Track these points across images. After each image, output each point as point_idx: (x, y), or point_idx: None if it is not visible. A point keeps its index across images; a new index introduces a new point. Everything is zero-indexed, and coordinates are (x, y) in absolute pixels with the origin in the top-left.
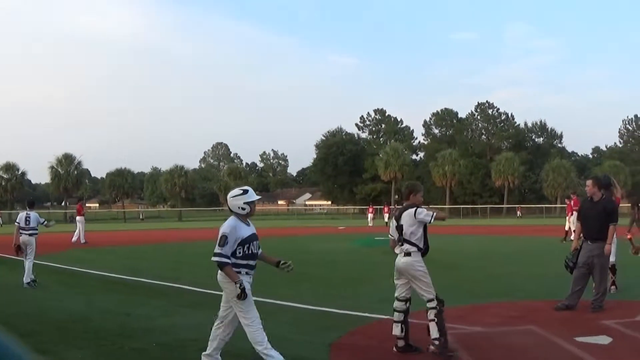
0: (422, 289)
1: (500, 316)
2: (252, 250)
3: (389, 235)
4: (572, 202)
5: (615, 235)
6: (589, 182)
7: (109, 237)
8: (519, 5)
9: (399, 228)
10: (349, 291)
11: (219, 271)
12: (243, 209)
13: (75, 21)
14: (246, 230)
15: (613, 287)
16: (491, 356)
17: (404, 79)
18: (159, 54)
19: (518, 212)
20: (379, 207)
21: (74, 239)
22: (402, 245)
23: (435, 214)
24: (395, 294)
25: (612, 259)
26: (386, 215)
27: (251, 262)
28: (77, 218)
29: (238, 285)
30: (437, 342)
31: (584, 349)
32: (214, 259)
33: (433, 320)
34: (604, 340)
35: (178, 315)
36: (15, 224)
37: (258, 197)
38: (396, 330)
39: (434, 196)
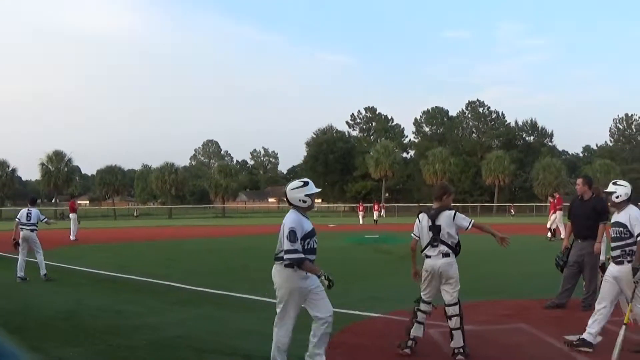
0: (451, 292)
1: (490, 315)
2: (312, 245)
3: (413, 235)
4: (555, 201)
5: (605, 234)
6: (579, 181)
7: (99, 235)
8: (510, 4)
9: (436, 228)
10: (339, 289)
11: (278, 270)
12: (304, 201)
13: (65, 17)
14: (308, 224)
15: None
16: (482, 354)
17: (394, 77)
18: (150, 52)
19: (511, 211)
20: (368, 205)
21: (72, 237)
22: (437, 246)
23: (473, 221)
24: (423, 296)
25: (602, 257)
26: (375, 213)
27: (311, 257)
28: (71, 215)
29: (323, 276)
30: (463, 351)
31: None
32: (288, 256)
33: (459, 328)
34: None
35: (168, 313)
36: (16, 219)
37: (318, 189)
38: (418, 331)
39: (425, 194)
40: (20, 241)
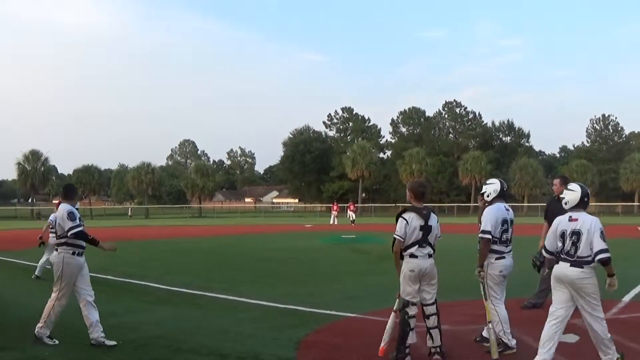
0: (432, 292)
1: (466, 314)
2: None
3: (398, 237)
4: None
5: None
6: (556, 181)
7: None
8: (487, 4)
9: (427, 229)
10: (315, 289)
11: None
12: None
13: (43, 15)
14: None
15: None
16: (458, 354)
17: (371, 77)
18: (128, 51)
19: None
20: (344, 205)
21: None
22: (425, 247)
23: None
24: (411, 298)
25: None
26: (351, 214)
27: None
28: None
29: None
30: (440, 350)
31: None
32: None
33: (437, 327)
34: (571, 338)
35: (144, 313)
36: (49, 220)
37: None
38: (413, 338)
39: (401, 194)
40: (47, 243)
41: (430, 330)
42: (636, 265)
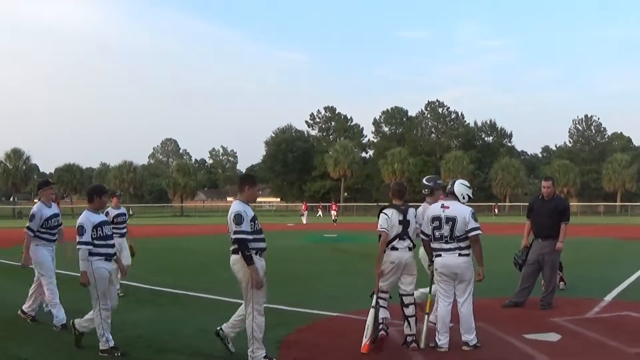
0: (410, 283)
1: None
2: None
3: (383, 229)
4: None
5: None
6: (549, 183)
7: None
8: (470, 4)
9: (406, 223)
10: (297, 288)
11: None
12: (464, 197)
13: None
14: None
15: (562, 282)
16: (440, 353)
17: (354, 77)
18: (109, 49)
19: (495, 210)
20: (327, 204)
21: None
22: (405, 239)
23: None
24: (384, 285)
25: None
26: (333, 213)
27: None
28: None
29: None
30: (415, 339)
31: (532, 345)
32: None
33: (414, 316)
34: (552, 337)
35: (126, 312)
36: None
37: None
38: (385, 313)
39: (383, 194)
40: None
41: (409, 319)
42: (617, 265)
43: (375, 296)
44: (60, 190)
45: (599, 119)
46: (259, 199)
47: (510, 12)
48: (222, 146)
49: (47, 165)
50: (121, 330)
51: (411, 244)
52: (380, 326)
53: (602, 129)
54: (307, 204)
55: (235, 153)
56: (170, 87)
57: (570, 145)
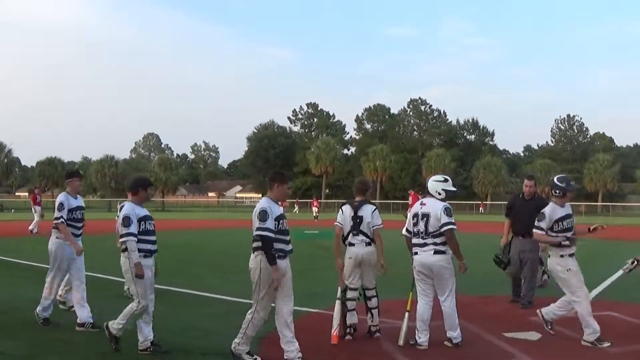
0: (372, 278)
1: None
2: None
3: (336, 223)
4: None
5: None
6: (532, 182)
7: (38, 227)
8: (454, 2)
9: (358, 219)
10: None
11: None
12: (439, 193)
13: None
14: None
15: (545, 275)
16: (420, 351)
17: (337, 73)
18: (91, 42)
19: (480, 209)
20: (307, 200)
21: (32, 228)
22: (358, 235)
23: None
24: (350, 284)
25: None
26: (315, 209)
27: None
28: (35, 207)
29: None
30: (379, 329)
31: (513, 344)
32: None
33: (376, 307)
34: (533, 336)
35: (106, 307)
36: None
37: (454, 189)
38: (352, 319)
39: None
40: None
41: (372, 310)
42: (598, 265)
43: (339, 289)
44: (42, 184)
45: (581, 119)
46: (239, 195)
47: (494, 10)
48: (204, 141)
49: (29, 158)
50: (101, 324)
51: (367, 239)
52: (349, 330)
53: (584, 128)
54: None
55: (217, 148)
56: (152, 81)
57: (552, 144)
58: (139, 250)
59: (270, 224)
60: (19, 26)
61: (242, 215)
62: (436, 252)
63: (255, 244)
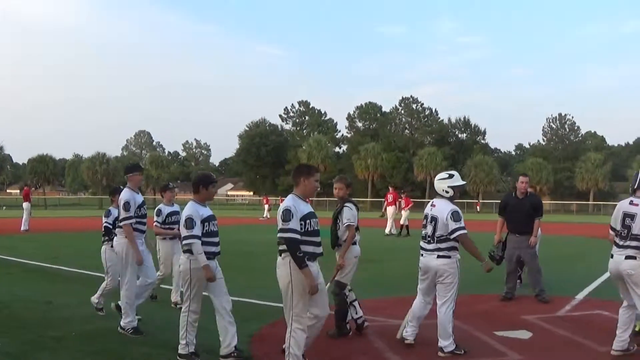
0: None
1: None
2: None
3: (352, 223)
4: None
5: (540, 229)
6: (527, 179)
7: (29, 224)
8: (446, 1)
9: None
10: (269, 282)
11: None
12: (446, 192)
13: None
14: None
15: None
16: (411, 349)
17: (329, 71)
18: (83, 40)
19: (477, 207)
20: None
21: (24, 227)
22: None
23: (348, 224)
24: (348, 281)
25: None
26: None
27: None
28: (24, 204)
29: None
30: (363, 318)
31: (503, 343)
32: None
33: (356, 299)
34: (523, 334)
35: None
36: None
37: (463, 182)
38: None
39: (356, 189)
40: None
41: (353, 303)
42: (589, 263)
43: (330, 283)
44: (33, 181)
45: (572, 117)
46: (231, 193)
47: (487, 9)
48: (195, 139)
49: (20, 156)
50: (92, 322)
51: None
52: (347, 326)
53: (575, 127)
54: (269, 198)
55: (209, 146)
56: (144, 79)
57: (543, 143)
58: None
59: (294, 224)
60: (11, 25)
61: (233, 212)
62: (440, 256)
63: (281, 247)
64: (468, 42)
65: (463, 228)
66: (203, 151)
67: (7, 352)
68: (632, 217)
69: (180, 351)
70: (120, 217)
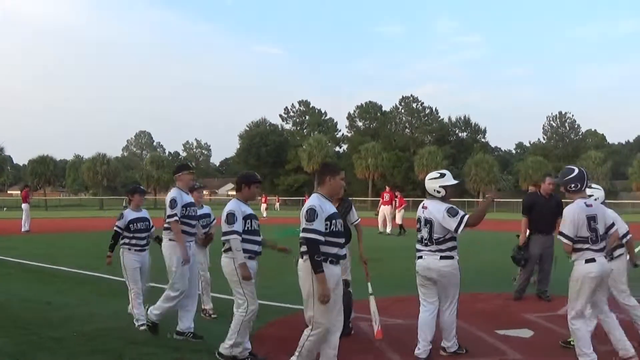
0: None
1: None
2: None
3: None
4: (385, 194)
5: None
6: (553, 180)
7: (30, 225)
8: (446, 1)
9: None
10: (269, 282)
11: None
12: (438, 192)
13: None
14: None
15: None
16: (413, 348)
17: (329, 71)
18: (82, 40)
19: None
20: (300, 198)
21: (24, 228)
22: None
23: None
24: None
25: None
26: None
27: None
28: (23, 205)
29: None
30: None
31: (504, 341)
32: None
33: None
34: (525, 333)
35: (98, 304)
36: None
37: (455, 181)
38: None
39: (357, 189)
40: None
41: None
42: None
43: (369, 284)
44: (34, 182)
45: (573, 115)
46: (232, 193)
47: (486, 8)
48: (196, 139)
49: (20, 156)
50: (92, 322)
51: None
52: (350, 324)
53: (576, 126)
54: (267, 197)
55: (209, 146)
56: (144, 79)
57: (544, 141)
58: (244, 251)
59: (318, 224)
60: (12, 25)
61: None
62: (442, 257)
63: (302, 248)
64: (468, 41)
65: (463, 219)
66: (203, 151)
67: (7, 352)
68: (594, 218)
69: (221, 350)
70: (167, 214)
